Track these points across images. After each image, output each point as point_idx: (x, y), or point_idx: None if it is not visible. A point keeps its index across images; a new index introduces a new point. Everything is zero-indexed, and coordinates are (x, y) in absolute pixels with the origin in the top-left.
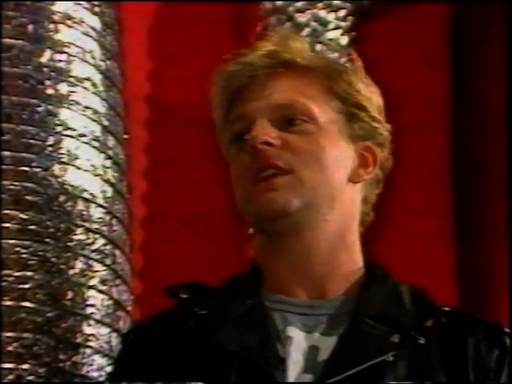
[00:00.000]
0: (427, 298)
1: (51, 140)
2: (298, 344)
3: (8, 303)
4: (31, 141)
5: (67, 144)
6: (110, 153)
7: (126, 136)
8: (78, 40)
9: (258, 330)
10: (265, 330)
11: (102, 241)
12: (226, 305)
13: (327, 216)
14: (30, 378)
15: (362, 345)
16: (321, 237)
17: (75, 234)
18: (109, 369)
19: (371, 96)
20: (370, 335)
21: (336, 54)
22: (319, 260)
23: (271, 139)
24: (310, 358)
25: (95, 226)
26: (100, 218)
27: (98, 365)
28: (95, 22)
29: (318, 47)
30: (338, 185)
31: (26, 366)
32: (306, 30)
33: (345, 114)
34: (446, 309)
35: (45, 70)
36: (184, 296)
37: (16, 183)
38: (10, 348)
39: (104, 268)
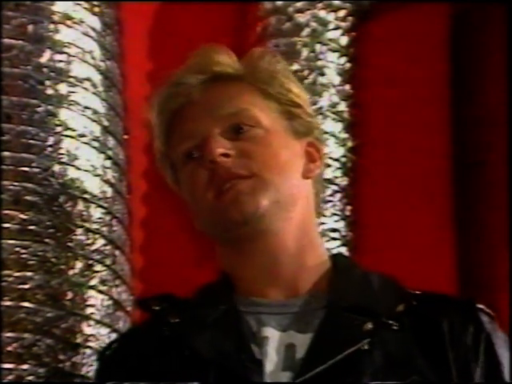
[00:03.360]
0: (397, 284)
1: (51, 140)
2: (274, 343)
3: (8, 303)
4: (31, 141)
5: (67, 144)
6: (110, 153)
7: (125, 136)
8: (77, 40)
9: (233, 334)
10: (239, 334)
11: (101, 241)
12: (198, 312)
13: (290, 215)
14: (29, 378)
15: (337, 337)
16: (287, 236)
17: (75, 235)
18: None
19: (301, 93)
20: (343, 326)
21: (265, 58)
22: (287, 258)
23: (228, 150)
24: (287, 356)
25: (95, 226)
26: (100, 218)
27: None
28: (95, 22)
29: (250, 55)
30: (296, 182)
31: (25, 367)
32: (306, 30)
33: (284, 114)
34: (417, 292)
35: (44, 70)
36: (156, 308)
37: (16, 183)
38: (9, 348)
39: (104, 268)
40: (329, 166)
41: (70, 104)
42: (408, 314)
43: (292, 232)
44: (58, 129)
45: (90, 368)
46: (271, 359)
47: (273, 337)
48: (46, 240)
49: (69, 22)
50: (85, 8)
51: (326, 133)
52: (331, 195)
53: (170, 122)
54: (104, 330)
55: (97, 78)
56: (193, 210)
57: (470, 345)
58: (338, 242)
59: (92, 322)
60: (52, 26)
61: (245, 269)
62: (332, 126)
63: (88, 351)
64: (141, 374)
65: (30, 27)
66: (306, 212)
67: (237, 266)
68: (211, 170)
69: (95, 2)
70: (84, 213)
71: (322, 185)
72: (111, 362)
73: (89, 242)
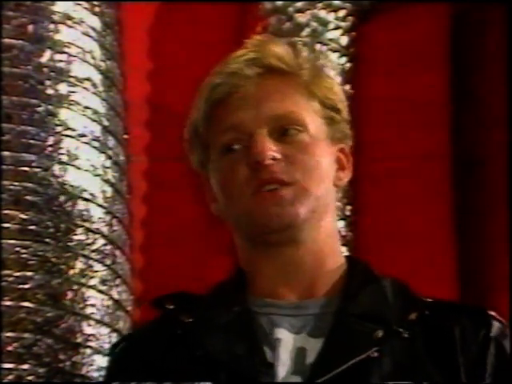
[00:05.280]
0: (410, 291)
1: (51, 140)
2: (286, 346)
3: (8, 303)
4: (31, 141)
5: (67, 144)
6: (110, 153)
7: (125, 136)
8: (78, 40)
9: (246, 337)
10: (252, 336)
11: (101, 241)
12: (212, 312)
13: (322, 222)
14: (29, 378)
15: (347, 343)
16: (315, 243)
17: (75, 234)
18: None
19: (342, 95)
20: (354, 333)
21: (314, 55)
22: (309, 264)
23: (276, 154)
24: (298, 360)
25: (95, 226)
26: (100, 218)
27: (97, 365)
28: (95, 22)
29: (298, 48)
30: (330, 191)
31: (25, 366)
32: (306, 30)
33: (325, 118)
34: (429, 300)
35: (45, 70)
36: (170, 307)
37: (16, 183)
38: (10, 348)
39: (104, 268)
40: None
41: (71, 104)
42: (420, 322)
43: (319, 239)
44: (58, 129)
45: (90, 368)
46: (283, 362)
47: (285, 339)
48: (46, 240)
49: (69, 22)
50: (85, 8)
51: None
52: None
53: (216, 107)
54: (104, 330)
55: (97, 77)
56: (220, 201)
57: (479, 350)
58: None
59: (92, 322)
60: (52, 26)
61: (265, 269)
62: None
63: (88, 351)
64: (152, 372)
65: (31, 27)
66: (333, 220)
67: (257, 264)
68: (254, 169)
69: (95, 2)
70: (84, 213)
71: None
72: (121, 360)
73: (89, 241)
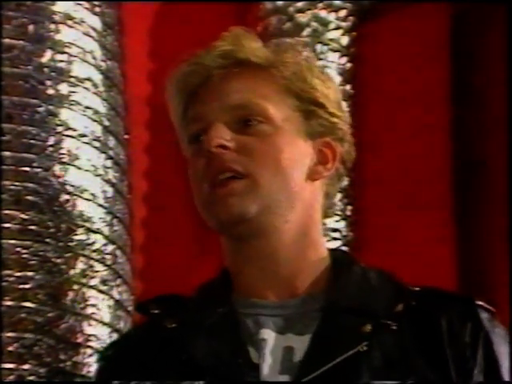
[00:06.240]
0: (396, 281)
1: (52, 140)
2: (272, 346)
3: (9, 303)
4: (32, 141)
5: (68, 144)
6: (111, 153)
7: (126, 136)
8: (78, 40)
9: (230, 338)
10: (237, 337)
11: (102, 241)
12: (196, 316)
13: (288, 217)
14: (30, 378)
15: (335, 339)
16: (285, 237)
17: (76, 234)
18: None
19: (328, 92)
20: (341, 328)
21: (291, 51)
22: (286, 260)
23: (226, 142)
24: (285, 359)
25: (96, 226)
26: (101, 218)
27: None
28: (96, 22)
29: (284, 46)
30: (297, 184)
31: (26, 367)
32: (307, 30)
33: (302, 112)
34: (417, 289)
35: (45, 70)
36: (155, 311)
37: (17, 183)
38: (10, 348)
39: (104, 268)
40: None
41: (71, 104)
42: (407, 313)
43: (289, 233)
44: (59, 129)
45: (90, 368)
46: (268, 362)
47: (270, 339)
48: (47, 240)
49: (69, 22)
50: (85, 8)
51: None
52: None
53: (188, 100)
54: (105, 330)
55: (97, 77)
56: (193, 192)
57: (468, 343)
58: (338, 242)
59: (93, 322)
60: (53, 26)
61: (243, 267)
62: None
63: (89, 351)
64: (138, 377)
65: (31, 27)
66: (307, 214)
67: (236, 263)
68: (208, 158)
69: (96, 2)
70: (85, 213)
71: (335, 186)
72: (110, 364)
73: (89, 241)
